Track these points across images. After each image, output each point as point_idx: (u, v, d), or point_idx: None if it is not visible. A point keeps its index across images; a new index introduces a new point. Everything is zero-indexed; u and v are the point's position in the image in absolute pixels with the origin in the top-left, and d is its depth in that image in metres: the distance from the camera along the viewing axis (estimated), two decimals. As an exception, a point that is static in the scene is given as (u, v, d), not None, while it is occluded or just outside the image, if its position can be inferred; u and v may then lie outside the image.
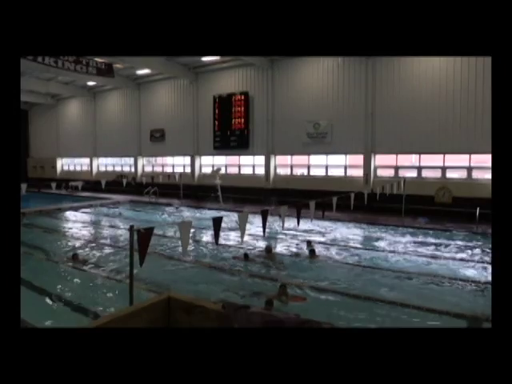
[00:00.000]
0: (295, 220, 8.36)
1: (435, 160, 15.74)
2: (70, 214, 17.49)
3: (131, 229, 4.97)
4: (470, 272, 8.23)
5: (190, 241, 8.46)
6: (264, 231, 7.40)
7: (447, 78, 14.80)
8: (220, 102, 20.73)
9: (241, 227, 6.88)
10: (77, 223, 15.36)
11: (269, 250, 9.46)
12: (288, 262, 8.97)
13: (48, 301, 6.70)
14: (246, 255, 9.16)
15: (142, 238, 4.98)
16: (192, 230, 7.40)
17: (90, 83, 25.73)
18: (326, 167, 18.33)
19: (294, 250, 10.25)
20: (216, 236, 6.35)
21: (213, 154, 21.86)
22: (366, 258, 9.44)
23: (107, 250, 10.39)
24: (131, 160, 26.18)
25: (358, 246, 10.92)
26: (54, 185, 17.12)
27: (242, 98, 19.94)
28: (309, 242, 10.35)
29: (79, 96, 28.32)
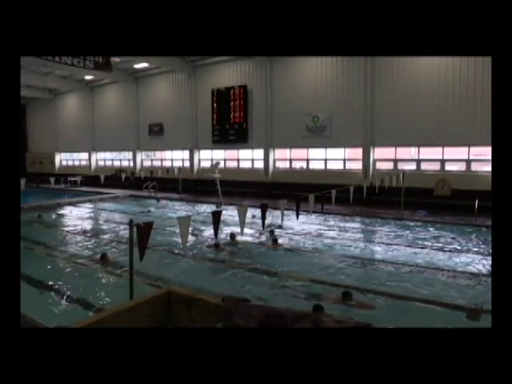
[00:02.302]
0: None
1: (434, 153, 15.74)
2: (95, 208, 17.25)
3: (131, 223, 4.97)
4: (467, 264, 8.27)
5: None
6: (263, 224, 7.57)
7: (446, 70, 14.76)
8: (218, 95, 20.64)
9: (240, 220, 6.99)
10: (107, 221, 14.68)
11: (233, 237, 10.27)
12: (252, 250, 9.70)
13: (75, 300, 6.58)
14: (216, 244, 9.66)
15: (142, 232, 4.98)
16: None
17: (88, 77, 25.60)
18: (325, 160, 18.32)
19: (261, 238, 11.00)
20: (215, 230, 6.44)
21: (212, 148, 21.83)
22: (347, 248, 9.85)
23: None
24: (130, 154, 26.14)
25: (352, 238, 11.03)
26: (52, 180, 17.13)
27: (241, 91, 19.85)
28: (271, 232, 10.85)
29: (77, 90, 28.19)
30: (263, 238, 10.88)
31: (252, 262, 8.55)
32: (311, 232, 11.64)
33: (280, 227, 11.47)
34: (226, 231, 11.15)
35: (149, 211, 15.91)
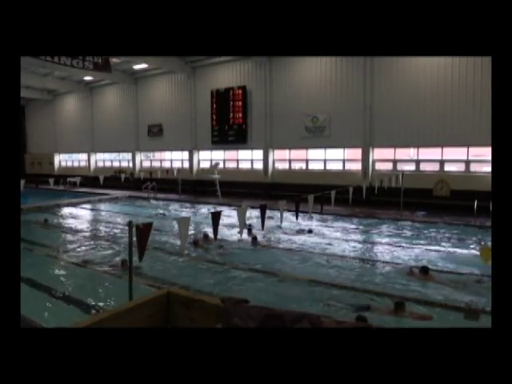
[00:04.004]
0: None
1: (433, 153, 15.74)
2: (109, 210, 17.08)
3: (130, 224, 4.96)
4: (467, 265, 8.25)
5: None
6: (263, 225, 7.58)
7: (445, 71, 14.77)
8: (218, 96, 20.63)
9: (239, 221, 6.98)
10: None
11: (206, 236, 10.36)
12: (229, 248, 9.89)
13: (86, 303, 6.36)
14: (195, 242, 9.94)
15: (142, 233, 4.98)
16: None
17: (87, 78, 25.58)
18: (325, 161, 18.32)
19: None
20: (215, 231, 6.42)
21: (211, 149, 21.81)
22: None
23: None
24: (129, 155, 26.12)
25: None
26: (51, 181, 17.10)
27: (240, 92, 19.84)
28: (250, 230, 10.86)
29: (76, 91, 28.16)
30: (243, 237, 10.62)
31: (230, 259, 8.81)
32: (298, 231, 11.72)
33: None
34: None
35: (164, 214, 15.65)
